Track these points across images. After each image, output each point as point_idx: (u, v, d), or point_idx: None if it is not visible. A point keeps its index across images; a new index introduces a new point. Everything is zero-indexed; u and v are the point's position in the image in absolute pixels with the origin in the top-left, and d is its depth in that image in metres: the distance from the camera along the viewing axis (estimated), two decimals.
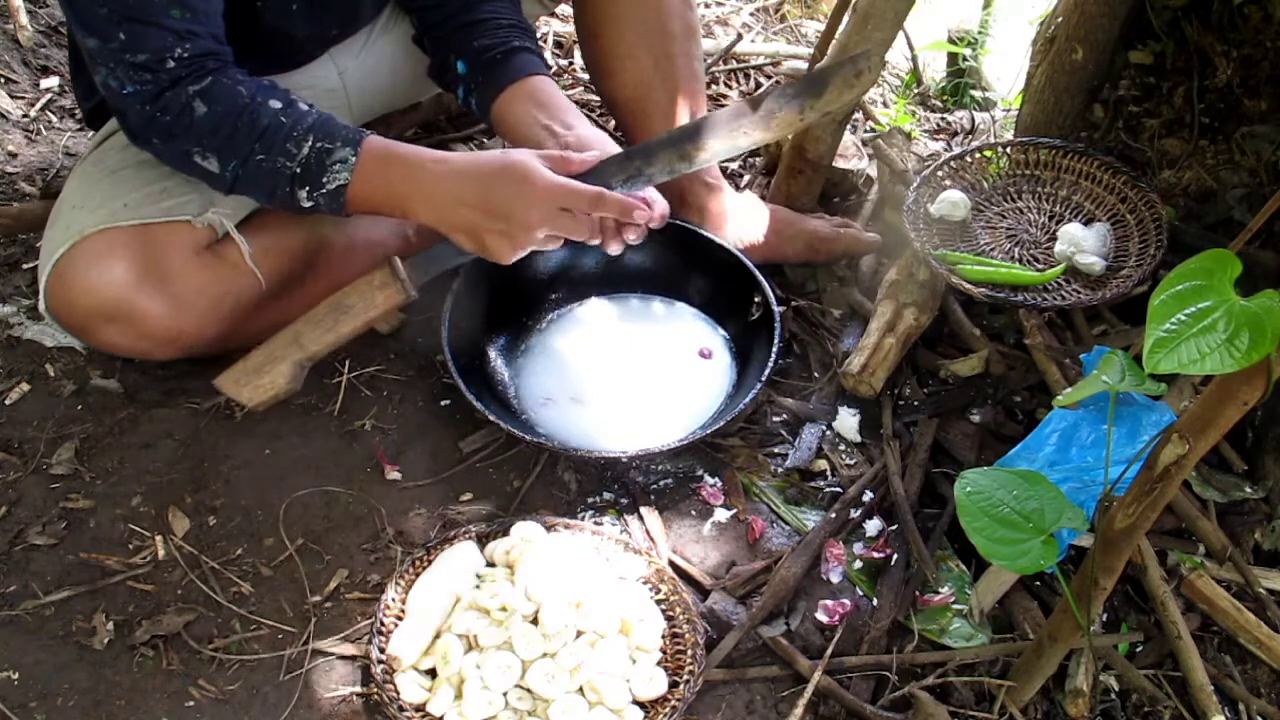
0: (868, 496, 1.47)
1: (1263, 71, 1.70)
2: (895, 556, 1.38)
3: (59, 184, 1.60)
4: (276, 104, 1.32)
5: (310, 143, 1.32)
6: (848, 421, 1.57)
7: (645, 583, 1.33)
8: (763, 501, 1.48)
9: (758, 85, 2.35)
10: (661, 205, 1.39)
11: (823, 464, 1.53)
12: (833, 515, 1.43)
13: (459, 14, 1.55)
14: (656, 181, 1.40)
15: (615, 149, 1.41)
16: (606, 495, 1.47)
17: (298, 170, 1.33)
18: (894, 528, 1.43)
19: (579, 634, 1.23)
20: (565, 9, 2.21)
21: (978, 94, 2.48)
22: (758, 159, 2.09)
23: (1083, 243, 1.64)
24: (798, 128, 1.40)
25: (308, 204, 1.36)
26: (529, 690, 1.19)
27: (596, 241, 1.37)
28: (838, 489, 1.49)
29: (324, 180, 1.33)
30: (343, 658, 1.26)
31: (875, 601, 1.35)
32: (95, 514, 1.39)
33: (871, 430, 1.57)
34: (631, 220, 1.35)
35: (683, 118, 1.67)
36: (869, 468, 1.51)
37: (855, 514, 1.45)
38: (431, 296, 1.50)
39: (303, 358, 1.44)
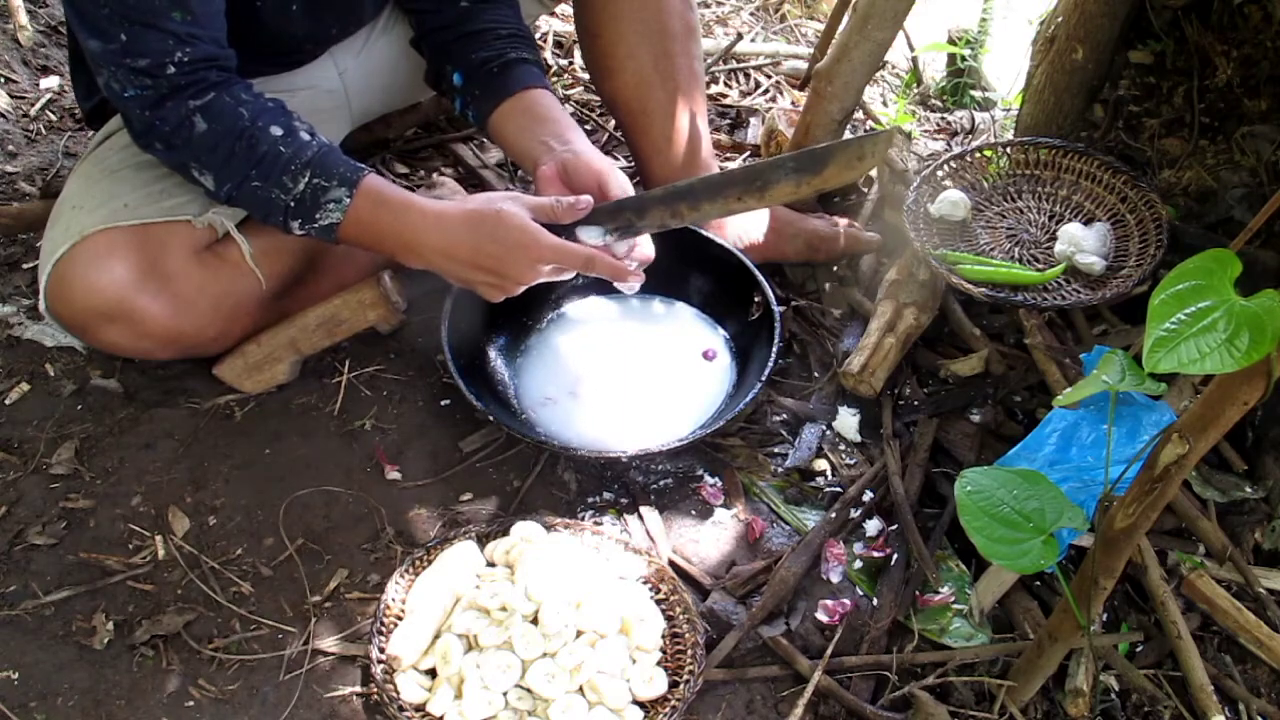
0: (868, 496, 1.47)
1: (1263, 71, 1.70)
2: (895, 556, 1.38)
3: (59, 184, 1.61)
4: (277, 130, 1.32)
5: (307, 178, 1.32)
6: (848, 421, 1.57)
7: (645, 583, 1.33)
8: (763, 501, 1.48)
9: (757, 85, 2.35)
10: (641, 257, 1.41)
11: (823, 464, 1.53)
12: (833, 515, 1.43)
13: (458, 23, 1.54)
14: (645, 234, 1.40)
15: (611, 166, 1.41)
16: (606, 495, 1.47)
17: (291, 203, 1.33)
18: (894, 528, 1.43)
19: (579, 634, 1.23)
20: (565, 9, 2.21)
21: (978, 94, 2.48)
22: (758, 159, 2.09)
23: (1083, 243, 1.64)
24: (793, 199, 1.41)
25: (299, 232, 1.36)
26: (529, 690, 1.19)
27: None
28: (838, 489, 1.49)
29: (316, 216, 1.34)
30: (343, 658, 1.26)
31: (875, 601, 1.35)
32: (95, 514, 1.39)
33: (871, 430, 1.57)
34: (623, 281, 1.39)
35: (682, 117, 1.67)
36: (869, 468, 1.51)
37: (855, 514, 1.45)
38: (431, 296, 1.50)
39: (298, 358, 1.51)
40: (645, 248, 1.41)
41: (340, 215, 1.33)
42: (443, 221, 1.34)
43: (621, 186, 1.40)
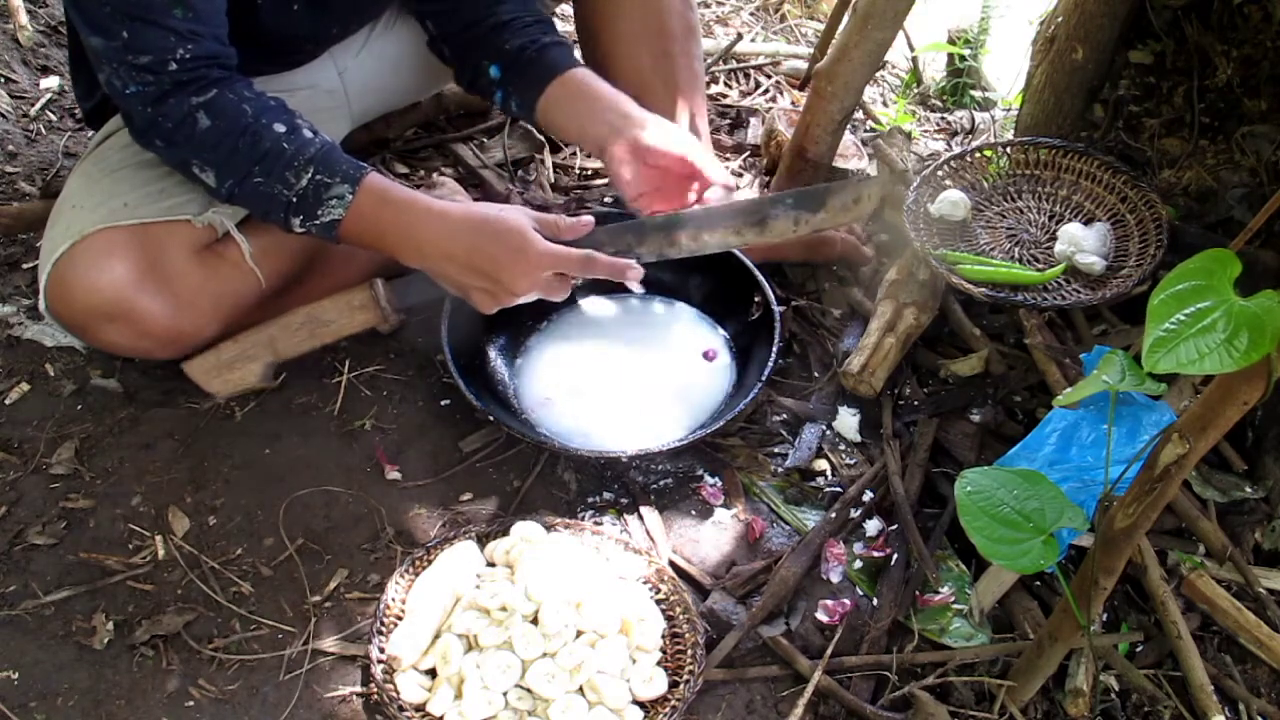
0: (868, 496, 1.47)
1: (1263, 71, 1.70)
2: (895, 556, 1.38)
3: (59, 184, 1.61)
4: (280, 127, 1.32)
5: (310, 174, 1.32)
6: (848, 421, 1.57)
7: (645, 583, 1.33)
8: (763, 501, 1.48)
9: (757, 85, 2.35)
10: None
11: (823, 464, 1.53)
12: (833, 515, 1.43)
13: (485, 17, 1.54)
14: (643, 261, 1.42)
15: (693, 145, 1.43)
16: (606, 495, 1.47)
17: (294, 199, 1.33)
18: (894, 528, 1.43)
19: (579, 634, 1.23)
20: (565, 9, 2.21)
21: (978, 94, 2.48)
22: (758, 159, 2.09)
23: (1083, 242, 1.64)
24: (790, 238, 1.47)
25: (300, 230, 1.36)
26: (529, 690, 1.19)
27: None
28: (838, 489, 1.49)
29: (319, 212, 1.34)
30: (343, 658, 1.26)
31: (875, 601, 1.35)
32: (95, 514, 1.39)
33: (871, 430, 1.57)
34: (623, 279, 1.39)
35: (682, 117, 1.67)
36: (869, 468, 1.51)
37: (855, 514, 1.45)
38: (419, 301, 1.50)
39: (275, 360, 1.48)
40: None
41: (343, 211, 1.33)
42: (445, 219, 1.34)
43: (711, 164, 1.43)
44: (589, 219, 1.38)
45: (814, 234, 1.46)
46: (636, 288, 1.43)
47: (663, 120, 1.46)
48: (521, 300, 1.37)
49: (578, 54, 1.61)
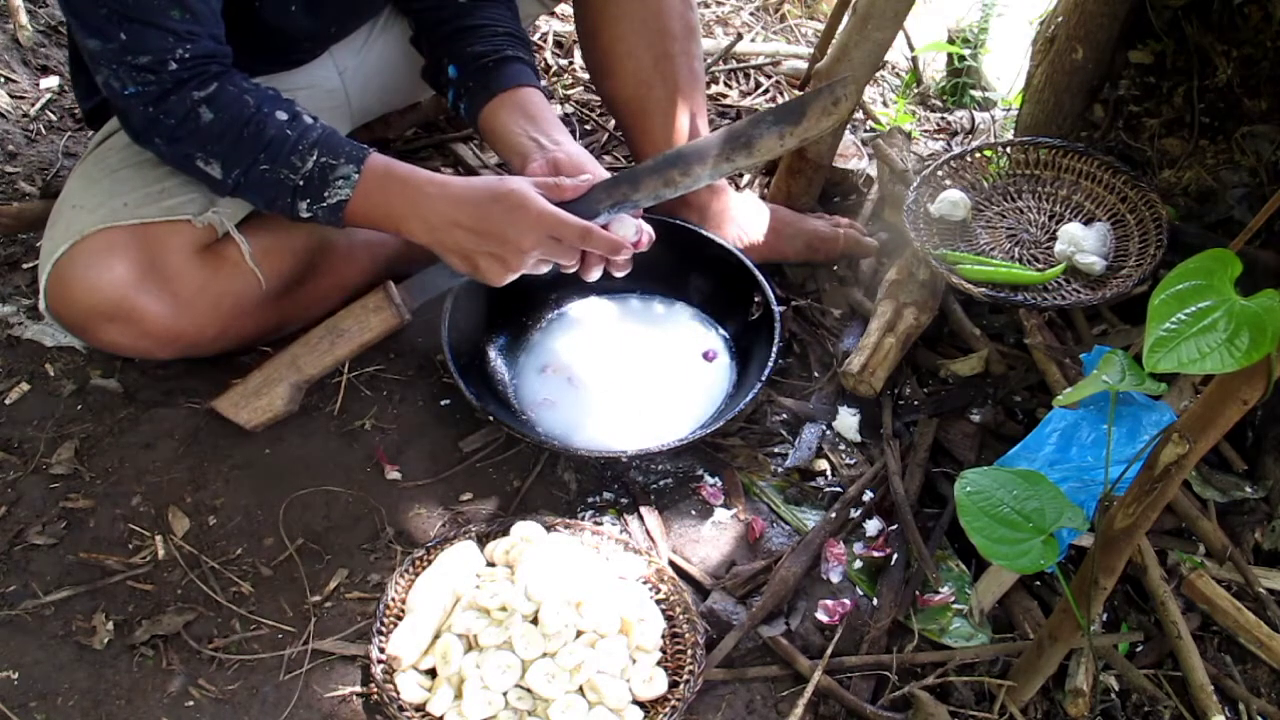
0: (868, 496, 1.47)
1: (1263, 71, 1.70)
2: (895, 556, 1.38)
3: (59, 184, 1.61)
4: (283, 115, 1.33)
5: (315, 157, 1.33)
6: (848, 421, 1.57)
7: (645, 583, 1.33)
8: (763, 501, 1.48)
9: (757, 85, 2.35)
10: (648, 231, 1.43)
11: (823, 464, 1.53)
12: (833, 515, 1.43)
13: (456, 17, 1.56)
14: (642, 206, 1.43)
15: (600, 169, 1.44)
16: (606, 495, 1.47)
17: (300, 183, 1.34)
18: (894, 527, 1.43)
19: (579, 634, 1.23)
20: (565, 8, 2.21)
21: (978, 94, 2.48)
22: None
23: (1083, 242, 1.64)
24: (779, 154, 1.47)
25: (306, 215, 1.37)
26: (529, 690, 1.19)
27: (576, 268, 1.40)
28: (838, 489, 1.49)
29: (325, 194, 1.35)
30: (343, 658, 1.26)
31: (875, 601, 1.35)
32: (95, 514, 1.39)
33: (871, 430, 1.57)
34: (616, 257, 1.39)
35: (682, 117, 1.67)
36: (869, 468, 1.51)
37: (855, 514, 1.45)
38: (431, 297, 1.50)
39: (300, 380, 1.46)
40: (648, 231, 1.44)
41: (350, 191, 1.34)
42: (448, 189, 1.36)
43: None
44: (587, 176, 1.39)
45: (801, 144, 1.46)
46: (620, 270, 1.42)
47: (586, 153, 1.47)
48: (530, 263, 1.36)
49: (583, 56, 1.61)
